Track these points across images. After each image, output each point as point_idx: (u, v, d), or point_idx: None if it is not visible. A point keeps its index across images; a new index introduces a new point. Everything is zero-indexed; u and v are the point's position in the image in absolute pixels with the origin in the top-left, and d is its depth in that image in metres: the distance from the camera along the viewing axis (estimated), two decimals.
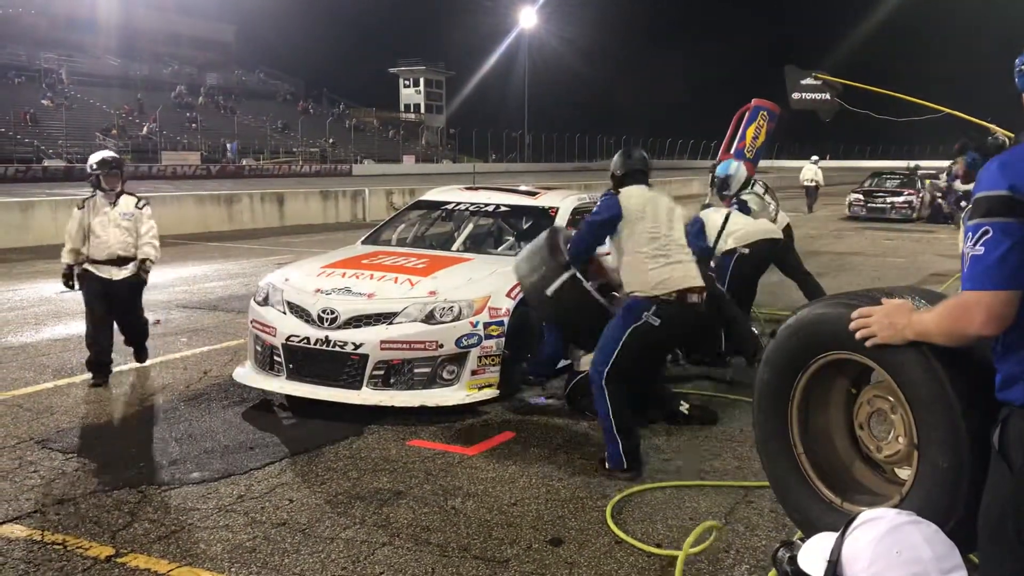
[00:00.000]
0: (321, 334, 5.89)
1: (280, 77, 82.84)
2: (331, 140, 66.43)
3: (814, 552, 1.69)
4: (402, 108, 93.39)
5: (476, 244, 7.80)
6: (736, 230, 7.76)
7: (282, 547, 3.89)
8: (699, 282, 5.02)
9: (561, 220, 7.43)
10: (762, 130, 14.61)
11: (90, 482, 4.68)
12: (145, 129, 53.74)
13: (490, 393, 5.96)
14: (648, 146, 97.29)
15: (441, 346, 5.83)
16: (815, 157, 28.91)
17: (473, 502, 4.40)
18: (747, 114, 14.57)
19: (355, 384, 5.83)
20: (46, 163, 43.99)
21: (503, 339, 6.05)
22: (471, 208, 8.02)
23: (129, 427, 5.70)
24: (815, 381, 3.21)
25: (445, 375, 5.87)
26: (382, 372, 5.83)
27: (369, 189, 26.30)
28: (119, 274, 6.70)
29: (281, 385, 6.01)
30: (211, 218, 20.70)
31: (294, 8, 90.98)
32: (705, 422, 5.64)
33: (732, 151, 14.32)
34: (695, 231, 7.22)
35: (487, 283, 6.28)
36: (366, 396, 5.78)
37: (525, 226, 8.45)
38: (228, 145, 57.33)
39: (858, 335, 2.54)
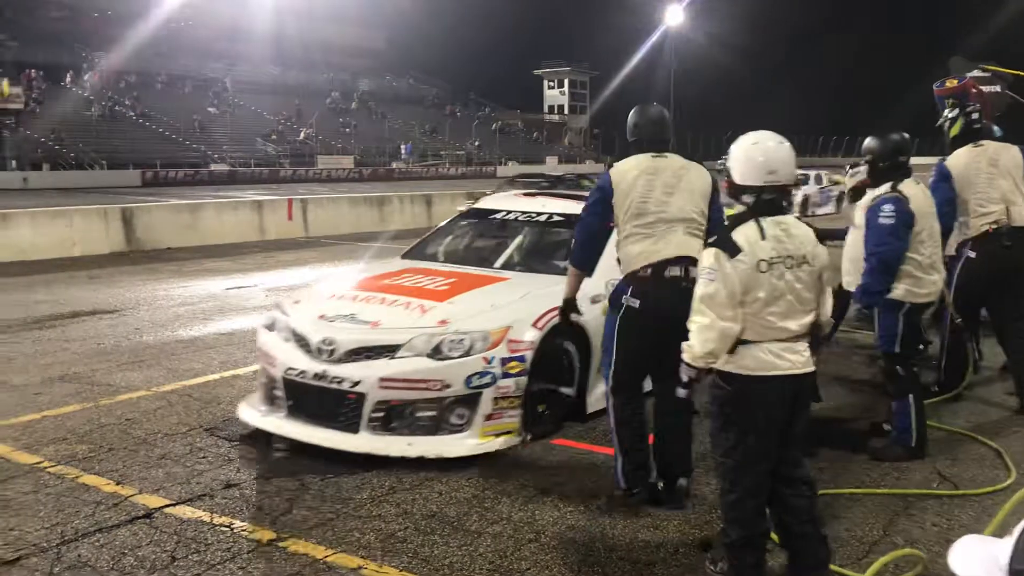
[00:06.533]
0: (319, 367, 5.17)
1: (428, 82, 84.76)
2: (477, 142, 67.52)
3: (977, 558, 1.46)
4: (546, 109, 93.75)
5: (524, 259, 6.72)
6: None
7: (432, 539, 3.99)
8: (682, 252, 4.22)
9: None
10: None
11: (253, 469, 4.95)
12: (302, 134, 56.13)
13: (508, 441, 5.13)
14: (806, 144, 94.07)
15: (448, 386, 5.00)
16: None
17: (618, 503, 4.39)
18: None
19: (353, 427, 5.07)
20: (212, 167, 46.70)
21: (524, 377, 5.17)
22: (520, 217, 6.98)
23: None
24: None
25: (454, 420, 5.06)
26: (382, 414, 5.05)
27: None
28: (804, 361, 3.38)
29: (279, 425, 5.30)
30: (363, 219, 21.41)
31: (442, 14, 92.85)
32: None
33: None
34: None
35: (511, 309, 5.42)
36: (361, 442, 5.00)
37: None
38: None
39: None
